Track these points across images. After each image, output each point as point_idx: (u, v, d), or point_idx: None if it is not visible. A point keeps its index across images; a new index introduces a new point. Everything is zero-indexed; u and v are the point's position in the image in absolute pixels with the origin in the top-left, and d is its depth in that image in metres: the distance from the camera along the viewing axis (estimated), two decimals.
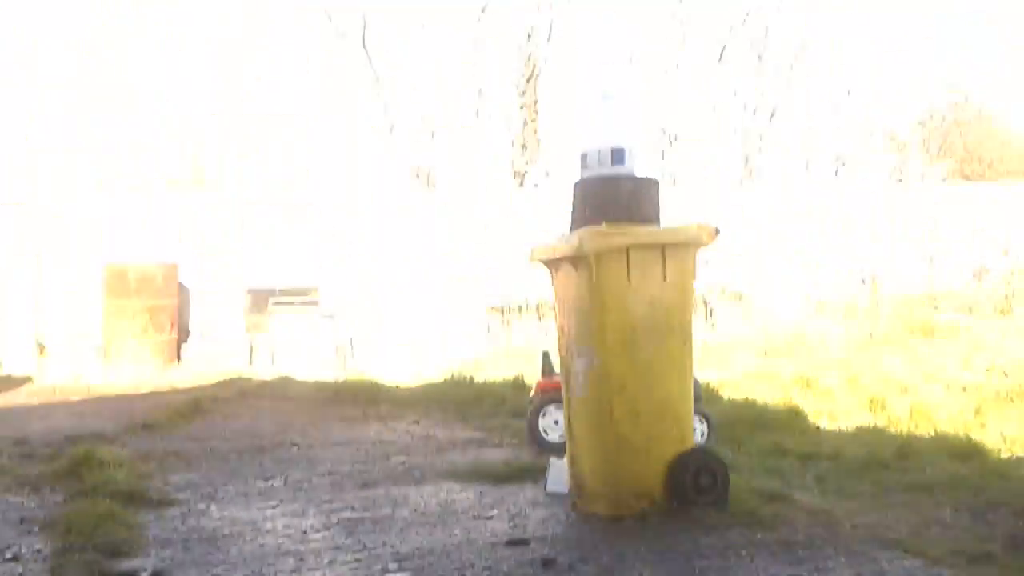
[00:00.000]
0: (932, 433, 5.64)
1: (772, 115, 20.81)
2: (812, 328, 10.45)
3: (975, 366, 7.64)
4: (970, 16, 22.12)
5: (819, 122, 21.23)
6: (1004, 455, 5.04)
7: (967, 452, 5.09)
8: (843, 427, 5.99)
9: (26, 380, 9.90)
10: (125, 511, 4.12)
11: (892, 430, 5.79)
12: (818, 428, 6.02)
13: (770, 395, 6.94)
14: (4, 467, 5.16)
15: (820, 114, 21.21)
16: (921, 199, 14.94)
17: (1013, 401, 6.27)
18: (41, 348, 11.32)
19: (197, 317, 12.16)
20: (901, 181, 19.76)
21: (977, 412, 6.02)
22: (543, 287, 12.35)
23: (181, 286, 11.75)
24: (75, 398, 8.62)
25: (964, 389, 6.81)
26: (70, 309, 11.84)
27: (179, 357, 10.98)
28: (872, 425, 5.93)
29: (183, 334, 11.66)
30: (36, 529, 3.94)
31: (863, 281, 12.95)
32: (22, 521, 4.07)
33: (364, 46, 19.28)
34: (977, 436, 5.45)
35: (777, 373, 7.54)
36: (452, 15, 19.43)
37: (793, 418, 6.23)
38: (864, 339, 8.95)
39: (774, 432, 5.70)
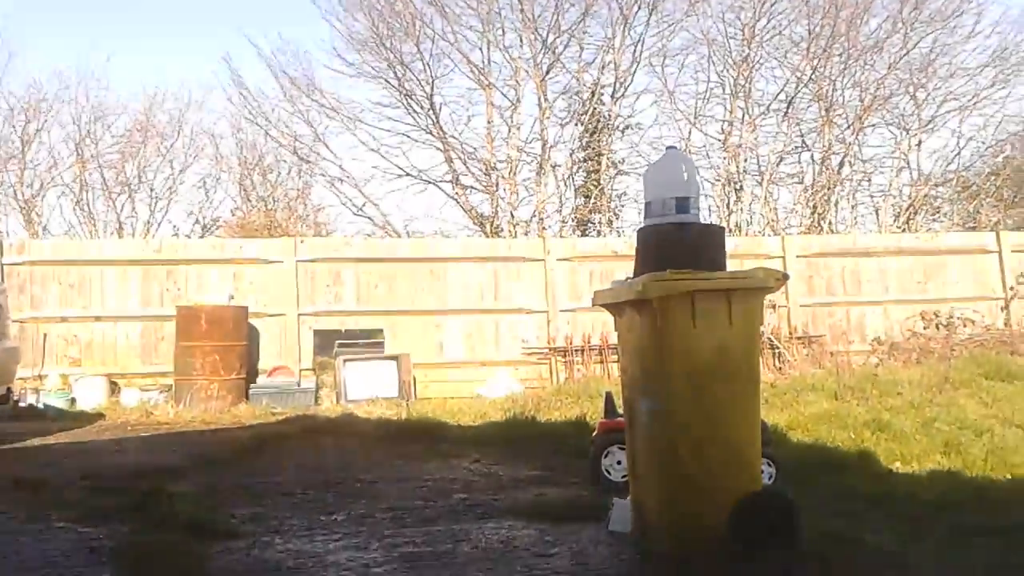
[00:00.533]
0: (1009, 476, 5.44)
1: (840, 165, 20.63)
2: (884, 370, 10.21)
3: None
4: None
5: (889, 171, 21.02)
6: None
7: None
8: (917, 470, 5.80)
9: (99, 416, 10.12)
10: (192, 542, 4.16)
11: (968, 473, 5.59)
12: (891, 471, 5.84)
13: (841, 438, 6.76)
14: (75, 499, 5.25)
15: (890, 163, 20.99)
16: (993, 244, 14.63)
17: None
18: (114, 386, 11.61)
19: (265, 357, 12.42)
20: (974, 228, 19.38)
21: None
22: (607, 328, 12.40)
23: (251, 327, 12.00)
24: (145, 434, 8.80)
25: None
26: (143, 348, 12.19)
27: (247, 396, 11.15)
28: (947, 468, 5.74)
29: (252, 374, 11.88)
30: (106, 559, 3.99)
31: (936, 326, 12.68)
32: (92, 551, 4.13)
33: (431, 102, 19.66)
34: None
35: (848, 415, 7.33)
36: (520, 74, 19.77)
37: (865, 461, 6.05)
38: (938, 381, 8.70)
39: (845, 475, 5.55)
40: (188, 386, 10.94)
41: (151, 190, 20.89)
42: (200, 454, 6.99)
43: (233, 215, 21.62)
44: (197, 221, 21.28)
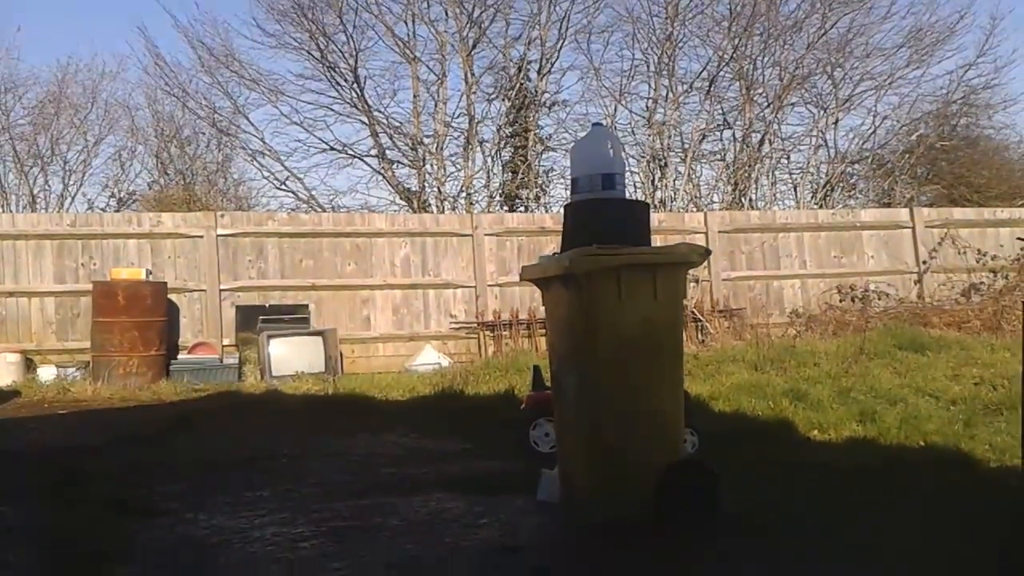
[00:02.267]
0: (922, 444, 5.63)
1: (760, 143, 20.99)
2: (802, 342, 10.47)
3: (964, 379, 7.65)
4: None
5: (807, 149, 21.49)
6: (993, 465, 5.03)
7: (957, 462, 5.10)
8: (834, 438, 5.96)
9: (14, 394, 9.83)
10: (114, 520, 4.09)
11: (882, 441, 5.76)
12: (809, 439, 6.00)
13: (761, 407, 6.91)
14: None
15: (807, 141, 21.45)
16: (907, 220, 15.07)
17: (1002, 413, 6.24)
18: (29, 363, 11.28)
19: (186, 333, 12.19)
20: (888, 204, 19.94)
21: (967, 424, 5.99)
22: (535, 303, 12.44)
23: (170, 303, 11.76)
24: (63, 411, 8.58)
25: (953, 402, 6.80)
26: (59, 324, 11.86)
27: (168, 372, 10.93)
28: (863, 436, 5.92)
29: (172, 350, 11.65)
30: (24, 538, 3.90)
31: (852, 299, 13.04)
32: (10, 530, 4.03)
33: (356, 75, 19.39)
34: (967, 446, 5.43)
35: (767, 385, 7.50)
36: (446, 48, 19.61)
37: (784, 430, 6.21)
38: (854, 352, 8.95)
39: (765, 443, 5.69)
40: (106, 363, 10.69)
41: (64, 163, 20.24)
42: (120, 431, 6.86)
43: (150, 188, 21.10)
44: (113, 195, 20.69)
